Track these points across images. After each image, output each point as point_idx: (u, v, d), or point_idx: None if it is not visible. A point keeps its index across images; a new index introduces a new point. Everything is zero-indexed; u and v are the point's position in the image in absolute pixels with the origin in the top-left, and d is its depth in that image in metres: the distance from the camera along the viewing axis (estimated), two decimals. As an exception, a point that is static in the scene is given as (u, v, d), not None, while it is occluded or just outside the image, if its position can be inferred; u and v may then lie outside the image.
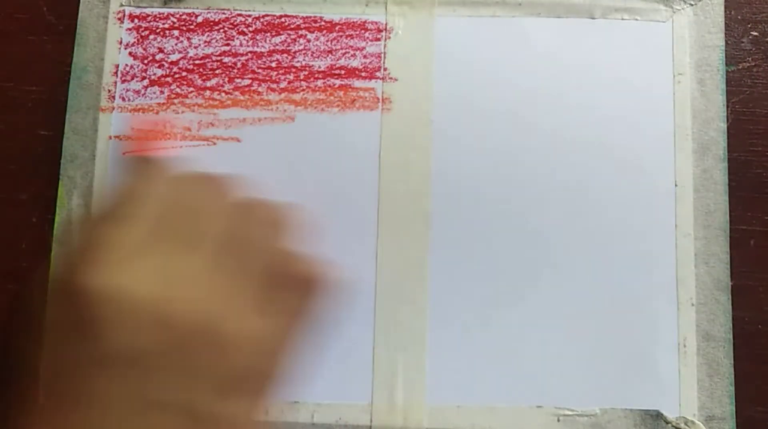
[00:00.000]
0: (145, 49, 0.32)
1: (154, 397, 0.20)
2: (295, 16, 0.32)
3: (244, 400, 0.22)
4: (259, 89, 0.32)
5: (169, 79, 0.32)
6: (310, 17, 0.32)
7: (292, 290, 0.23)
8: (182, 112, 0.32)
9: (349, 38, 0.32)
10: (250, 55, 0.32)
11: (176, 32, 0.32)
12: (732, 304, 0.30)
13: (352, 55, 0.32)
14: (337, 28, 0.32)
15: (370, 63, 0.32)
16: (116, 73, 0.32)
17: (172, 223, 0.22)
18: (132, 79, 0.32)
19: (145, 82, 0.32)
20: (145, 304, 0.20)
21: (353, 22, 0.32)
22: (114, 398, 0.19)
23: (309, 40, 0.32)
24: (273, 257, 0.23)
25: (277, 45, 0.32)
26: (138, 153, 0.28)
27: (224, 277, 0.22)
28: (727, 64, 0.32)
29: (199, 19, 0.32)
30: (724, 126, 0.32)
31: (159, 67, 0.32)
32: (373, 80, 0.32)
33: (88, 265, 0.20)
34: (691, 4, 0.32)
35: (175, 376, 0.20)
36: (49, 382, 0.20)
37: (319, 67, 0.32)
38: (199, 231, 0.22)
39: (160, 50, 0.32)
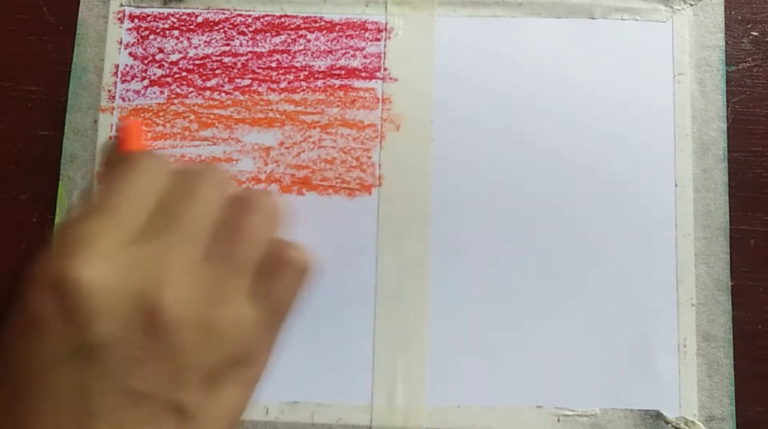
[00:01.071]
0: (145, 49, 0.32)
1: (138, 388, 0.19)
2: (295, 16, 0.32)
3: (233, 389, 0.22)
4: (259, 89, 0.32)
5: (169, 79, 0.32)
6: (310, 17, 0.32)
7: (282, 277, 0.23)
8: (182, 111, 0.32)
9: (349, 38, 0.32)
10: (250, 55, 0.32)
11: (176, 32, 0.32)
12: (732, 305, 0.30)
13: (352, 56, 0.32)
14: (337, 29, 0.32)
15: (370, 63, 0.32)
16: (116, 73, 0.32)
17: (162, 214, 0.22)
18: (132, 79, 0.32)
19: (145, 82, 0.32)
20: (131, 293, 0.19)
21: (353, 22, 0.32)
22: (96, 391, 0.19)
23: (309, 41, 0.32)
24: (265, 245, 0.23)
25: (277, 45, 0.32)
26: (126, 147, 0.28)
27: (214, 265, 0.21)
28: (727, 64, 0.32)
29: (199, 19, 0.32)
30: (724, 126, 0.32)
31: (159, 67, 0.32)
32: (373, 80, 0.32)
33: (70, 256, 0.20)
34: (691, 4, 0.32)
35: (160, 367, 0.20)
36: (19, 377, 0.20)
37: (319, 67, 0.32)
38: (189, 220, 0.22)
39: (160, 50, 0.32)
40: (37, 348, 0.19)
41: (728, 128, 0.32)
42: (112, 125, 0.32)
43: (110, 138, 0.31)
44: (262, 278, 0.23)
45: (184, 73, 0.32)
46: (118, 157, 0.27)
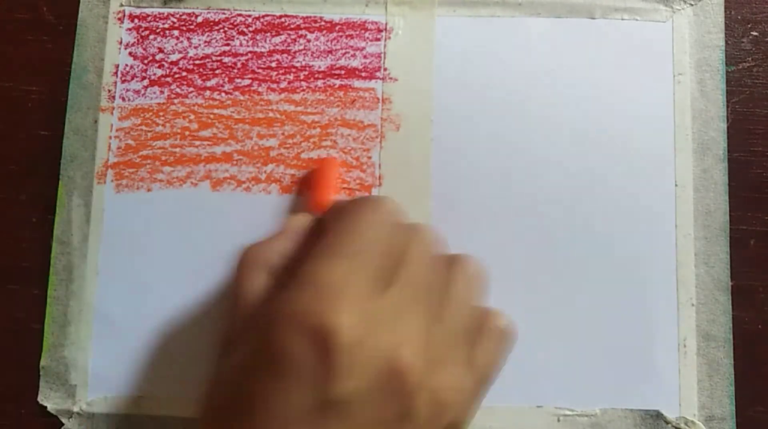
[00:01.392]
0: (145, 49, 0.32)
1: None
2: (295, 16, 0.32)
3: None
4: (259, 89, 0.32)
5: (169, 79, 0.32)
6: (310, 17, 0.32)
7: (489, 344, 0.23)
8: (182, 111, 0.32)
9: (349, 38, 0.32)
10: (250, 55, 0.32)
11: (176, 32, 0.32)
12: (732, 304, 0.30)
13: (352, 56, 0.32)
14: (337, 28, 0.32)
15: (370, 63, 0.32)
16: (116, 73, 0.32)
17: (389, 269, 0.21)
18: (132, 79, 0.32)
19: (145, 82, 0.32)
20: (380, 350, 0.19)
21: (353, 22, 0.32)
22: None
23: (309, 40, 0.32)
24: (472, 310, 0.23)
25: (277, 45, 0.32)
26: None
27: (440, 329, 0.21)
28: (727, 64, 0.32)
29: (199, 19, 0.32)
30: (724, 126, 0.32)
31: (159, 67, 0.32)
32: (373, 80, 0.32)
33: (329, 303, 0.19)
34: (691, 4, 0.32)
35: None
36: (260, 419, 0.19)
37: (319, 67, 0.32)
38: (411, 278, 0.21)
39: (160, 50, 0.32)
40: (286, 393, 0.18)
41: (728, 128, 0.32)
42: (112, 125, 0.32)
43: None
44: (472, 345, 0.22)
45: (184, 73, 0.32)
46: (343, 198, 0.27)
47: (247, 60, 0.32)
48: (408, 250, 0.22)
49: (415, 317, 0.21)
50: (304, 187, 0.31)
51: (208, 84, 0.32)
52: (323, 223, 0.25)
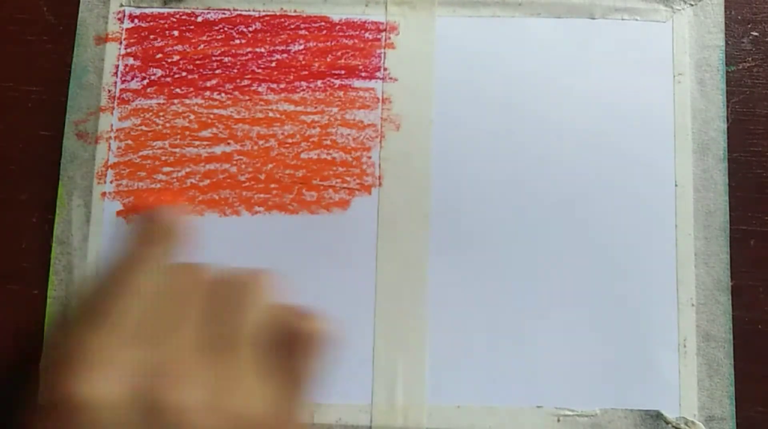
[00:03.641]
0: (144, 50, 0.32)
1: None
2: (295, 16, 0.33)
3: None
4: (259, 89, 0.32)
5: (168, 79, 0.32)
6: (310, 17, 0.32)
7: (295, 348, 0.22)
8: (182, 111, 0.32)
9: (349, 38, 0.32)
10: (249, 55, 0.32)
11: (176, 32, 0.32)
12: (732, 304, 0.30)
13: (352, 55, 0.32)
14: (337, 28, 0.32)
15: (370, 63, 0.32)
16: (116, 73, 0.32)
17: (154, 315, 0.21)
18: (132, 79, 0.32)
19: (145, 82, 0.32)
20: (140, 402, 0.19)
21: (353, 22, 0.32)
22: None
23: (309, 40, 0.32)
24: (258, 318, 0.22)
25: (276, 45, 0.32)
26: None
27: (210, 351, 0.21)
28: (727, 64, 0.32)
29: (199, 20, 0.33)
30: (724, 126, 0.32)
31: (159, 67, 0.32)
32: (373, 80, 0.32)
33: (70, 374, 0.19)
34: (691, 5, 0.32)
35: None
36: None
37: (319, 67, 0.32)
38: (178, 316, 0.21)
39: (160, 50, 0.32)
40: None
41: (728, 128, 0.32)
42: (112, 125, 0.32)
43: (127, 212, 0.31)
44: (273, 351, 0.22)
45: (183, 73, 0.32)
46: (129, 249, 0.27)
47: (246, 60, 0.32)
48: (175, 291, 0.22)
49: (184, 354, 0.21)
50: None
51: (208, 84, 0.32)
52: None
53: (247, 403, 0.21)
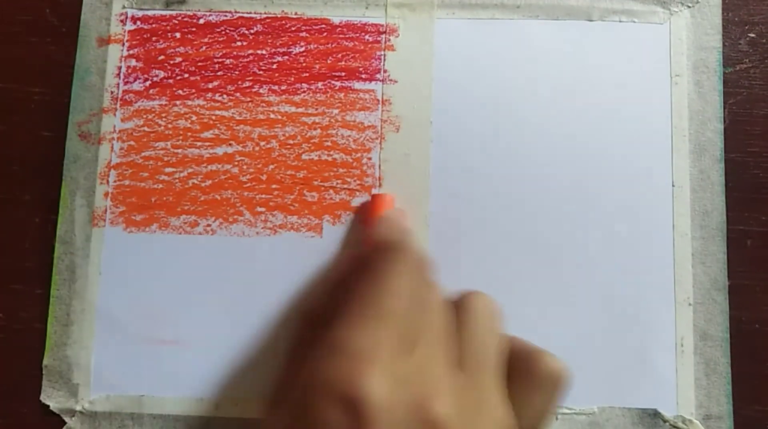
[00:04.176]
0: (147, 51, 0.33)
1: None
2: (296, 19, 0.33)
3: None
4: (261, 91, 0.32)
5: (170, 80, 0.32)
6: (311, 19, 0.33)
7: (533, 386, 0.22)
8: (184, 112, 0.32)
9: (349, 40, 0.33)
10: (251, 57, 0.32)
11: (178, 34, 0.33)
12: (729, 304, 0.31)
13: (352, 57, 0.32)
14: (337, 31, 0.33)
15: (370, 65, 0.32)
16: (119, 74, 0.32)
17: (414, 326, 0.21)
18: (134, 80, 0.32)
19: (148, 83, 0.32)
20: (411, 410, 0.19)
21: (353, 24, 0.33)
22: None
23: (310, 42, 0.33)
24: (498, 346, 0.22)
25: (278, 47, 0.33)
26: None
27: (463, 377, 0.21)
28: (724, 66, 0.32)
29: (201, 21, 0.33)
30: (721, 127, 0.32)
31: (161, 68, 0.32)
32: (373, 82, 0.32)
33: (359, 370, 0.19)
34: (689, 6, 0.33)
35: None
36: None
37: (320, 69, 0.32)
38: (433, 328, 0.21)
39: (162, 52, 0.33)
40: None
41: (725, 129, 0.32)
42: (114, 126, 0.32)
43: (358, 210, 0.31)
44: (513, 384, 0.22)
45: (185, 75, 0.32)
46: (377, 245, 0.26)
47: (248, 62, 0.32)
48: (429, 304, 0.22)
49: (439, 368, 0.21)
50: (356, 220, 0.31)
51: (210, 85, 0.32)
52: (350, 281, 0.24)
53: (490, 427, 0.21)
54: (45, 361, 0.31)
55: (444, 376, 0.21)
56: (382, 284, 0.22)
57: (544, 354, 0.23)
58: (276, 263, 0.31)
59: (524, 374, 0.22)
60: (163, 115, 0.32)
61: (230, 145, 0.32)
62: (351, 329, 0.20)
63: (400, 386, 0.19)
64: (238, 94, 0.32)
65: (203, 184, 0.31)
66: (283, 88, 0.32)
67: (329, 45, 0.32)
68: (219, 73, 0.32)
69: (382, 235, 0.27)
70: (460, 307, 0.23)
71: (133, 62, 0.32)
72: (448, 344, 0.22)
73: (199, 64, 0.32)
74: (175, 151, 0.32)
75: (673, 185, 0.31)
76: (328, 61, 0.32)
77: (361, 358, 0.19)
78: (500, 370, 0.22)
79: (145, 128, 0.32)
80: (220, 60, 0.32)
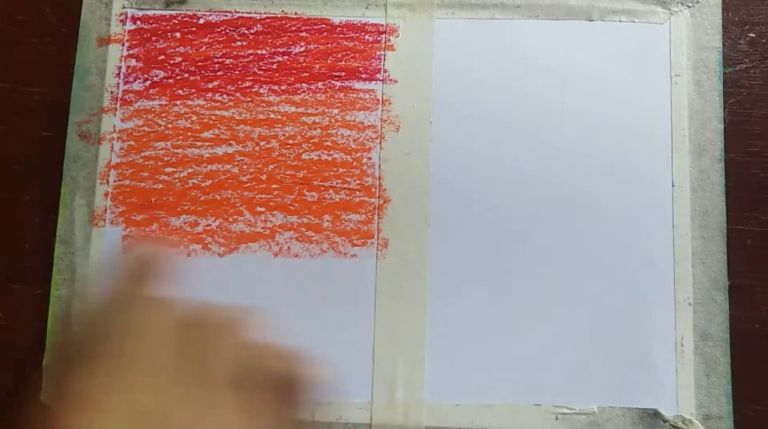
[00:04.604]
0: (147, 51, 0.33)
1: None
2: (296, 19, 0.33)
3: None
4: (260, 91, 0.32)
5: (170, 80, 0.32)
6: (311, 19, 0.33)
7: (269, 388, 0.22)
8: (184, 112, 0.32)
9: (349, 40, 0.33)
10: (251, 56, 0.32)
11: (178, 34, 0.33)
12: (729, 304, 0.31)
13: (352, 57, 0.32)
14: (337, 30, 0.33)
15: (370, 65, 0.32)
16: (119, 74, 0.32)
17: (135, 355, 0.21)
18: (134, 80, 0.32)
19: (148, 83, 0.32)
20: None
21: (353, 24, 0.33)
22: None
23: (310, 42, 0.33)
24: (235, 356, 0.22)
25: (278, 47, 0.33)
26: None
27: (190, 390, 0.21)
28: (724, 66, 0.32)
29: (201, 21, 0.33)
30: (721, 127, 0.32)
31: (161, 68, 0.32)
32: (374, 82, 0.32)
33: (73, 415, 0.20)
34: (689, 6, 0.33)
35: None
36: None
37: (320, 68, 0.32)
38: (154, 354, 0.22)
39: (162, 52, 0.33)
40: None
41: (725, 129, 0.32)
42: (114, 126, 0.32)
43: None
44: (256, 391, 0.22)
45: (185, 75, 0.32)
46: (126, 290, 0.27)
47: (248, 62, 0.32)
48: (145, 327, 0.22)
49: (159, 395, 0.21)
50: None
51: (210, 85, 0.32)
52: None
53: None
54: (45, 361, 0.31)
55: (170, 400, 0.21)
56: (116, 328, 0.22)
57: (272, 357, 0.23)
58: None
59: (258, 379, 0.22)
60: (163, 115, 0.32)
61: (230, 145, 0.32)
62: (74, 375, 0.21)
63: (110, 421, 0.20)
64: (238, 94, 0.32)
65: (203, 184, 0.32)
66: (283, 88, 0.32)
67: (329, 45, 0.32)
68: (219, 73, 0.32)
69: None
70: (202, 323, 0.23)
71: (133, 62, 0.32)
72: (176, 365, 0.22)
73: (199, 64, 0.32)
74: (175, 151, 0.32)
75: (673, 185, 0.31)
76: (328, 61, 0.32)
77: (80, 402, 0.20)
78: (241, 384, 0.22)
79: (145, 128, 0.32)
80: (220, 60, 0.32)
